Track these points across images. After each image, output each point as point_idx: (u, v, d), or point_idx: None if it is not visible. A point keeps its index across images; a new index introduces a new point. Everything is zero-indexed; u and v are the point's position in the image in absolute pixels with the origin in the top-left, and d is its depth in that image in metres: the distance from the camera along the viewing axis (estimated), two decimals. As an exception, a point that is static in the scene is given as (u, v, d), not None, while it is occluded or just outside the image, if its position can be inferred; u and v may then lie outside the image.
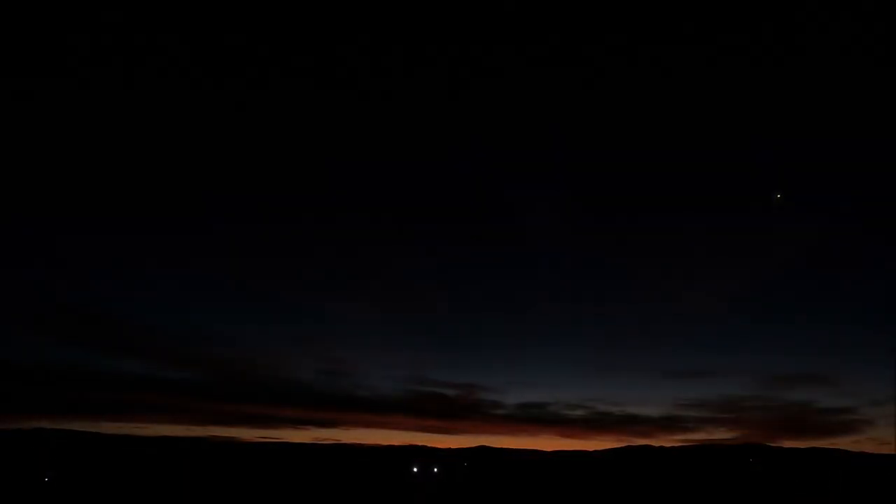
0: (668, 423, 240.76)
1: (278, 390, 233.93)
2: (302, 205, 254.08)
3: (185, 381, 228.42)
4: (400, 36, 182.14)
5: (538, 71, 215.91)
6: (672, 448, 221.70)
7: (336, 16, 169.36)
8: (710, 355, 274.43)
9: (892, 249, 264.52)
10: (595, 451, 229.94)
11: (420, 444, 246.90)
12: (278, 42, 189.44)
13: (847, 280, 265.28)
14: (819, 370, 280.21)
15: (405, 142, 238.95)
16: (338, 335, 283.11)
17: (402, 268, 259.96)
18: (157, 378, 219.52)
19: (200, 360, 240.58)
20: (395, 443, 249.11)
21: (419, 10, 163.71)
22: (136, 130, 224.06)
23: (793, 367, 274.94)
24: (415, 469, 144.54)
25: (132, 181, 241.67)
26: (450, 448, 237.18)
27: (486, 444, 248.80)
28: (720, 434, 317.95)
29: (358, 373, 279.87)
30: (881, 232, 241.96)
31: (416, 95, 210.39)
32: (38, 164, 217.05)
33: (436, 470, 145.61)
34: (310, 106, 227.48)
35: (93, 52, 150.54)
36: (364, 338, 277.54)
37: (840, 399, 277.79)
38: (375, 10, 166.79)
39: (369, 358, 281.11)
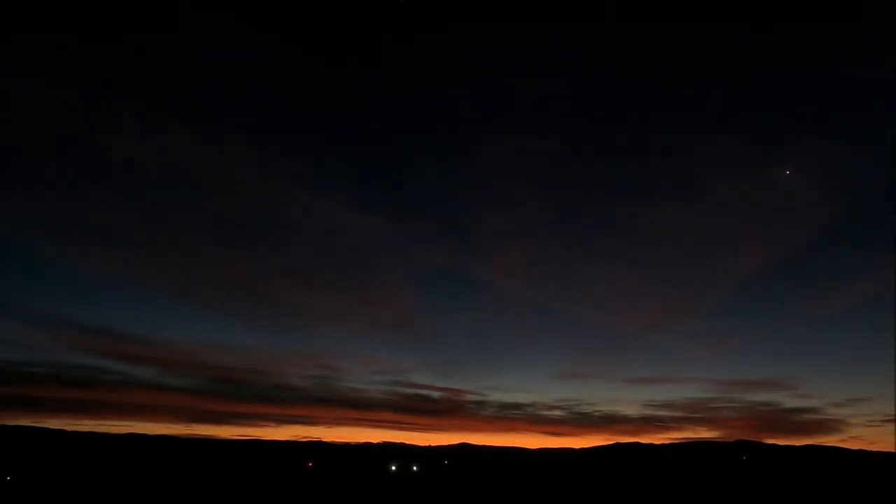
0: (646, 422, 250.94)
1: (273, 393, 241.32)
2: (299, 227, 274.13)
3: (187, 385, 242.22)
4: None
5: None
6: (662, 445, 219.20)
7: None
8: (668, 363, 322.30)
9: (842, 259, 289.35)
10: (582, 449, 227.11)
11: (401, 441, 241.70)
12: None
13: (799, 291, 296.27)
14: (774, 375, 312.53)
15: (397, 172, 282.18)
16: (332, 346, 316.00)
17: (393, 284, 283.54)
18: (160, 383, 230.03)
19: (203, 366, 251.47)
20: (375, 440, 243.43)
21: None
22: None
23: (749, 372, 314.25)
24: (393, 467, 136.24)
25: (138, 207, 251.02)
26: (430, 445, 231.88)
27: (468, 442, 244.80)
28: (704, 433, 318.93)
29: (347, 378, 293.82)
30: (832, 244, 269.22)
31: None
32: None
33: (415, 468, 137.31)
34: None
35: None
36: (355, 348, 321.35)
37: (801, 401, 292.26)
38: None
39: (358, 366, 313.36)
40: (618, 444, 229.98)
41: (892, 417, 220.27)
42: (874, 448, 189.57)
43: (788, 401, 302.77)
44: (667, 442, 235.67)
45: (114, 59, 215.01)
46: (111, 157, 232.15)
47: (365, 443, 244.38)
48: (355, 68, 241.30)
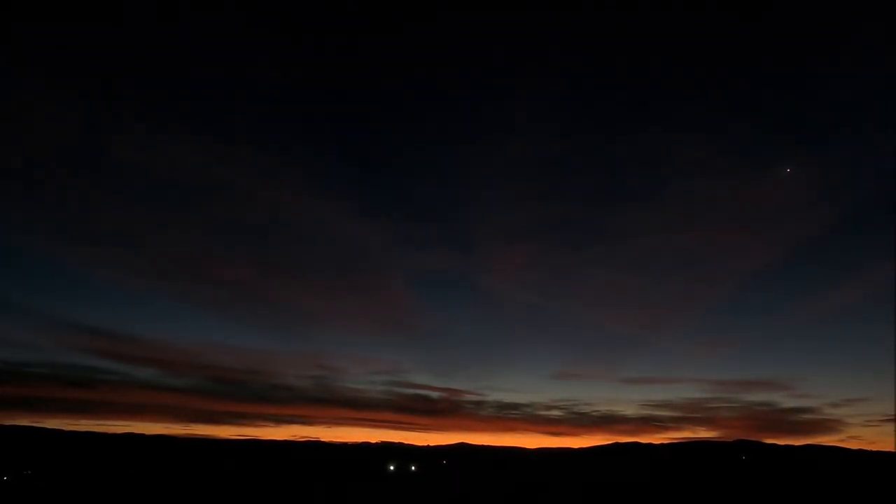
0: (645, 422, 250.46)
1: (271, 393, 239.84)
2: (299, 226, 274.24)
3: (186, 385, 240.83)
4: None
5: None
6: (661, 445, 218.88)
7: None
8: (666, 363, 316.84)
9: (841, 259, 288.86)
10: (581, 449, 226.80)
11: (399, 441, 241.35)
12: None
13: (798, 291, 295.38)
14: (772, 375, 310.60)
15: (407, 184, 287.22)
16: (331, 346, 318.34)
17: (392, 285, 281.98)
18: (160, 383, 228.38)
19: (202, 366, 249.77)
20: (374, 440, 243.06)
21: None
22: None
23: (748, 372, 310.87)
24: (391, 467, 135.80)
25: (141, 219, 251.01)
26: (429, 445, 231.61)
27: (467, 442, 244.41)
28: (702, 433, 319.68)
29: (346, 378, 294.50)
30: (832, 244, 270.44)
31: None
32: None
33: (414, 468, 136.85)
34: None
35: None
36: (354, 348, 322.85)
37: (799, 401, 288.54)
38: None
39: (357, 366, 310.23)
40: (616, 444, 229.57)
41: (891, 417, 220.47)
42: (873, 448, 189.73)
43: (786, 401, 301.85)
44: (666, 442, 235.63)
45: (114, 59, 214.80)
46: (111, 158, 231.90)
47: (363, 442, 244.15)
48: (355, 68, 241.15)
